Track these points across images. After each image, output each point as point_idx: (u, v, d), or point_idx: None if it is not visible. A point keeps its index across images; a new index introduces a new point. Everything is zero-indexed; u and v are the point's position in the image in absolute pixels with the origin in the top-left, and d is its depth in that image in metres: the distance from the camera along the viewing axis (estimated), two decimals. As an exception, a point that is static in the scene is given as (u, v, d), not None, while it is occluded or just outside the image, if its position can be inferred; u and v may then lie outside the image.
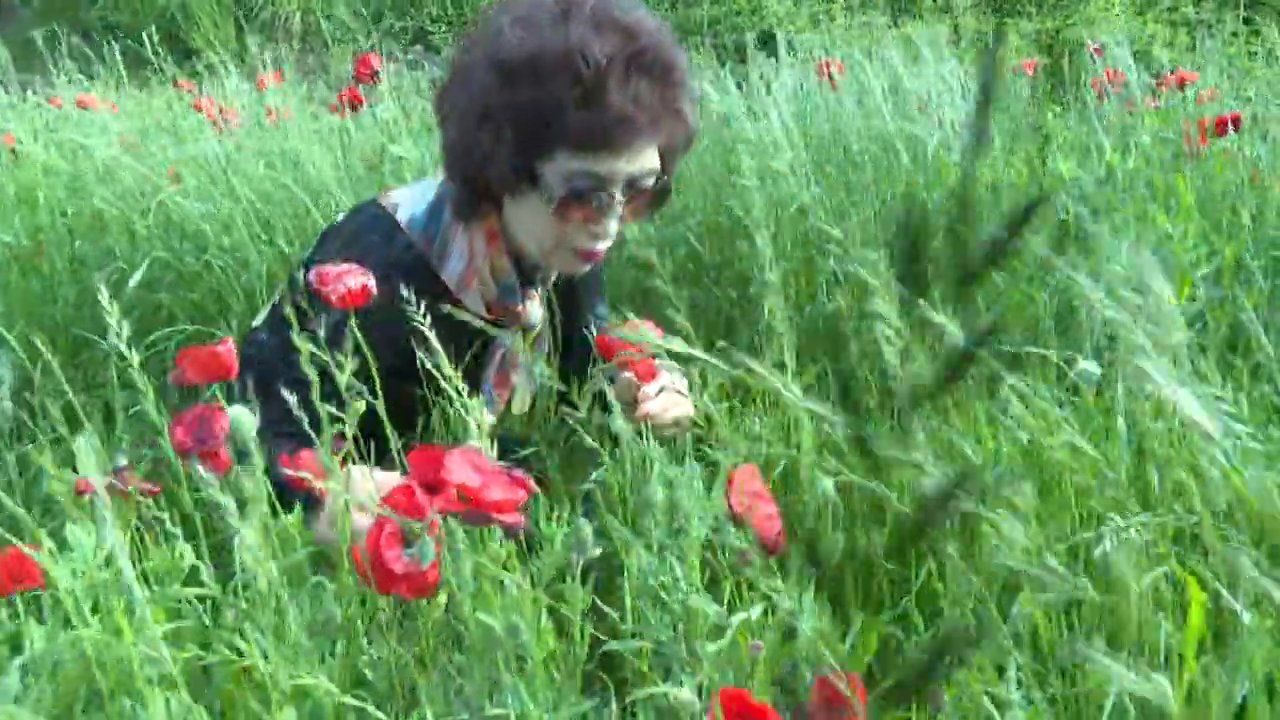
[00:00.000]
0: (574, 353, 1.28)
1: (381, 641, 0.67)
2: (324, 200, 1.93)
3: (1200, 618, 0.62)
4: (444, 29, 7.19)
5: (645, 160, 1.06)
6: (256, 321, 1.27)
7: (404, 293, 0.83)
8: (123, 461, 0.81)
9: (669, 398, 1.14)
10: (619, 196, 1.05)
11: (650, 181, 1.08)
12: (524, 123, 1.02)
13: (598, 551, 0.72)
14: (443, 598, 0.69)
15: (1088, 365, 0.91)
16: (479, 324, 1.02)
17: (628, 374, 1.08)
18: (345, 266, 0.84)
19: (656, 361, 1.08)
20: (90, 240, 2.09)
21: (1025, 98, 2.13)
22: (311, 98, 2.98)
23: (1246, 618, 0.60)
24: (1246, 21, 3.68)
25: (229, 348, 0.83)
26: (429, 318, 0.81)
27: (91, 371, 1.80)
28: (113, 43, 3.18)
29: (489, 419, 1.01)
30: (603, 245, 1.09)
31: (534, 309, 1.19)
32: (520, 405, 1.24)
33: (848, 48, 2.73)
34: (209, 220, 1.95)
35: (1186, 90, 1.99)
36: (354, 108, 2.11)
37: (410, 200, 1.16)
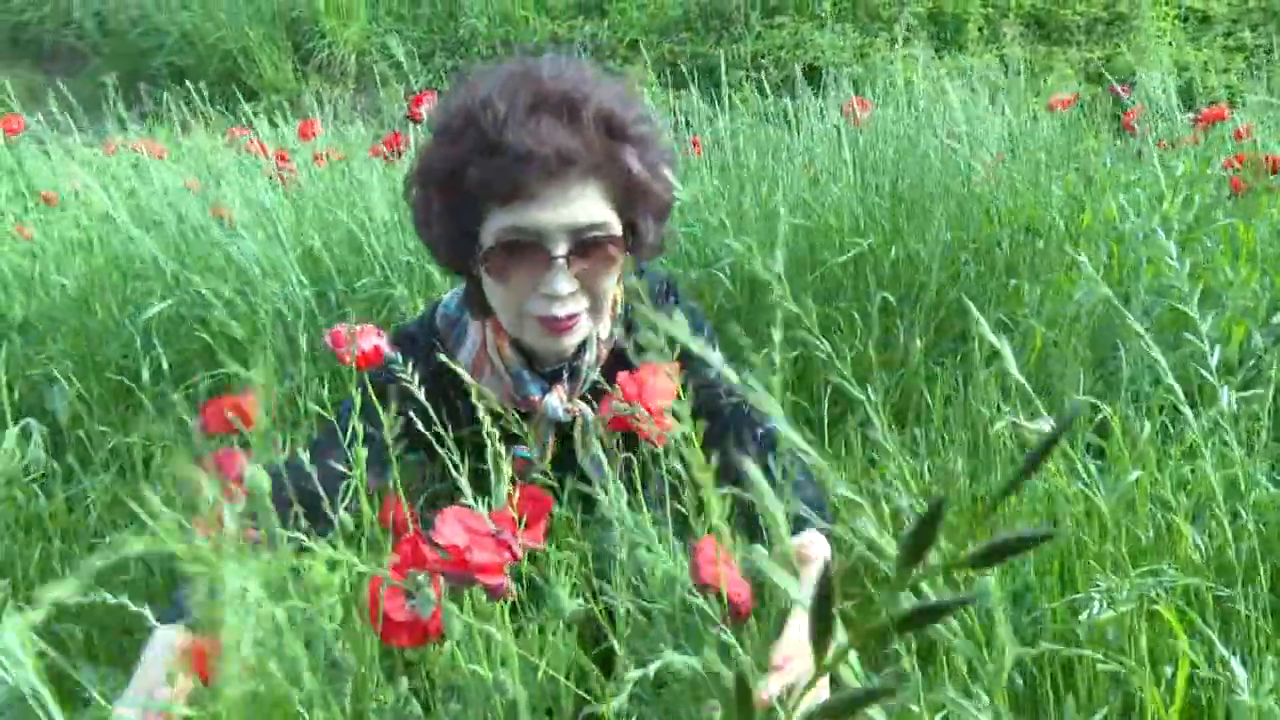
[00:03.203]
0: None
1: (388, 687, 0.68)
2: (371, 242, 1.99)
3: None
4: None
5: (580, 210, 0.98)
6: None
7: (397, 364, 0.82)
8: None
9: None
10: (556, 251, 0.98)
11: (598, 235, 1.00)
12: (444, 183, 1.00)
13: (575, 605, 0.72)
14: (448, 645, 0.70)
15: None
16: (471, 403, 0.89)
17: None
18: (360, 328, 0.86)
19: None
20: (142, 281, 2.17)
21: (1061, 133, 2.10)
22: (351, 140, 3.06)
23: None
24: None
25: (249, 400, 0.86)
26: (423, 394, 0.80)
27: (135, 409, 1.86)
28: (176, 87, 3.33)
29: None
30: (562, 310, 1.00)
31: (552, 402, 1.09)
32: None
33: (890, 82, 2.72)
34: (256, 263, 2.02)
35: (1223, 127, 1.94)
36: (397, 154, 2.16)
37: (457, 289, 1.17)
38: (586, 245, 0.99)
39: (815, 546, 0.95)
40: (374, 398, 0.83)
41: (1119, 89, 2.28)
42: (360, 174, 2.14)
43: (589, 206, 0.98)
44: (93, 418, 1.84)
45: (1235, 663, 0.70)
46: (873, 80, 2.86)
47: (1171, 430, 1.19)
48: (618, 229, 1.02)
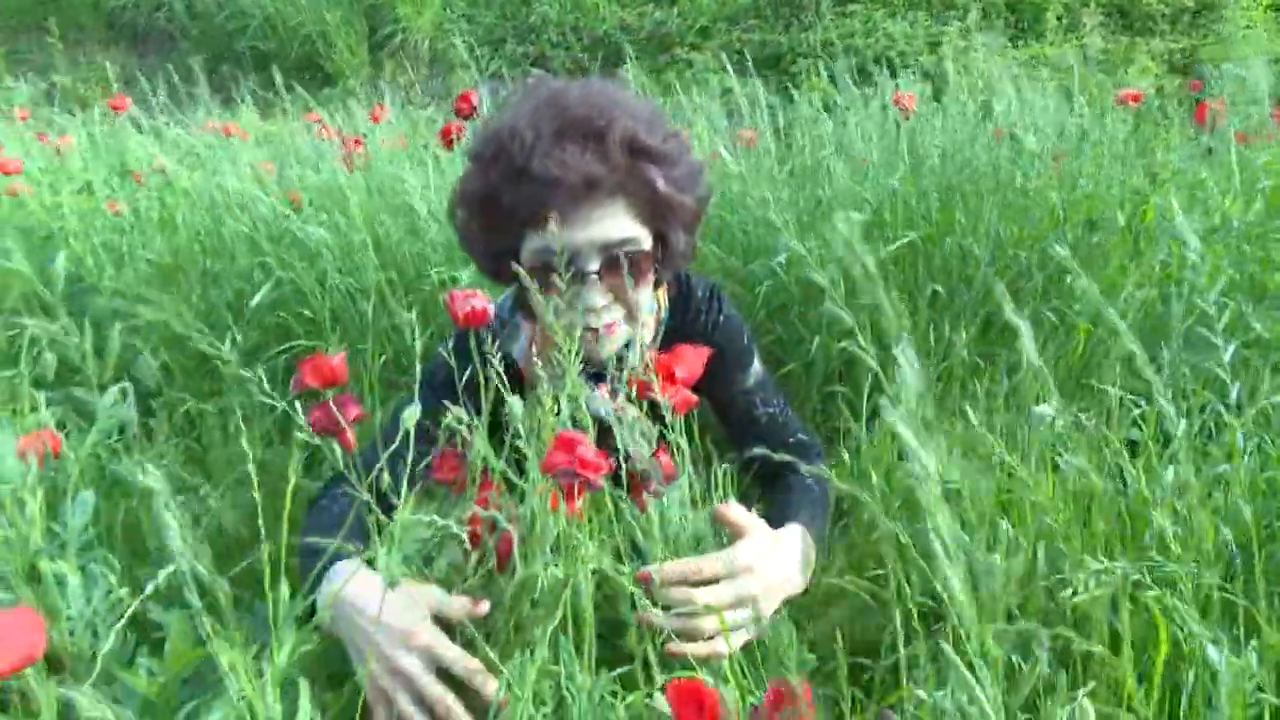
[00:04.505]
0: (731, 426, 1.28)
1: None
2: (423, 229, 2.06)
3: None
4: (563, 54, 7.43)
5: (610, 228, 1.04)
6: None
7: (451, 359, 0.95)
8: None
9: (727, 591, 0.91)
10: (591, 268, 1.04)
11: (628, 250, 1.06)
12: (481, 207, 1.08)
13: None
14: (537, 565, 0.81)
15: (1043, 409, 0.91)
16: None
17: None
18: (470, 291, 0.99)
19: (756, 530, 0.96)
20: (221, 259, 2.29)
21: (1130, 127, 2.05)
22: (417, 126, 3.15)
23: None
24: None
25: (342, 360, 0.95)
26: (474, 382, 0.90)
27: (216, 380, 1.97)
28: (255, 71, 3.48)
29: None
30: (597, 321, 1.07)
31: (596, 401, 1.13)
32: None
33: (961, 72, 2.68)
34: (327, 245, 2.12)
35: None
36: (457, 140, 2.22)
37: (509, 292, 1.26)
38: (617, 260, 1.05)
39: (788, 534, 1.02)
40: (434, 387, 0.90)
41: (1197, 82, 2.21)
42: (403, 170, 2.21)
43: (617, 224, 1.05)
44: (174, 385, 1.96)
45: (1210, 647, 0.71)
46: (938, 70, 2.82)
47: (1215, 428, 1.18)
48: (647, 243, 1.08)
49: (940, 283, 1.76)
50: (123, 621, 0.90)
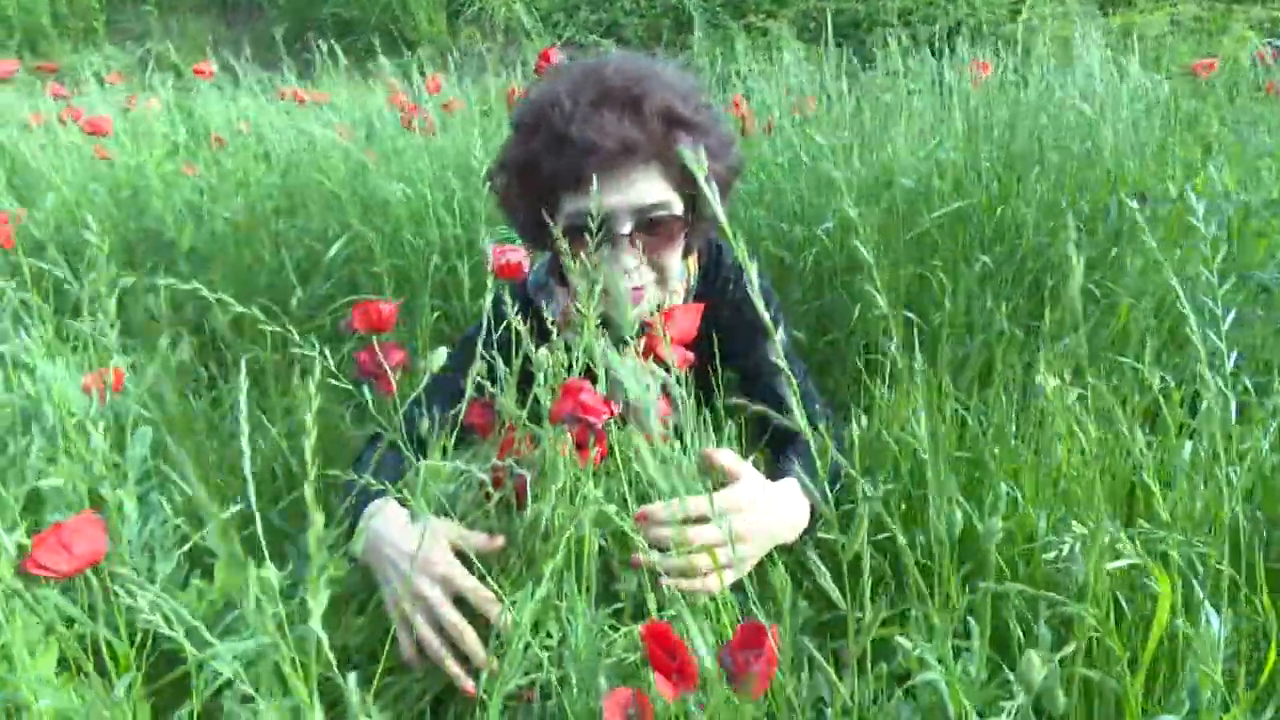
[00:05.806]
0: (751, 393, 1.29)
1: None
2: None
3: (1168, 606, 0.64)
4: (636, 20, 7.40)
5: (643, 192, 1.08)
6: None
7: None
8: None
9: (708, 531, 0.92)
10: (623, 230, 1.08)
11: (660, 214, 1.09)
12: (522, 173, 1.13)
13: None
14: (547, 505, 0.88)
15: (1042, 380, 0.91)
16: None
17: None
18: (507, 247, 1.06)
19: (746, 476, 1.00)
20: (291, 218, 2.40)
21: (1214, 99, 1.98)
22: (487, 93, 3.21)
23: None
24: None
25: (392, 308, 1.04)
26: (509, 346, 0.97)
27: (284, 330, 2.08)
28: (337, 39, 3.58)
29: None
30: (628, 283, 1.10)
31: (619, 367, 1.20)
32: None
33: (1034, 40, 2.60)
34: (400, 204, 2.20)
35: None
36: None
37: (544, 259, 1.31)
38: (649, 223, 1.09)
39: (781, 485, 1.05)
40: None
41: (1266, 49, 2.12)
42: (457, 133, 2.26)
43: (651, 188, 1.09)
44: (245, 337, 2.07)
45: (1212, 613, 0.72)
46: (1017, 40, 2.74)
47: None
48: (679, 207, 1.12)
49: (990, 253, 1.74)
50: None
